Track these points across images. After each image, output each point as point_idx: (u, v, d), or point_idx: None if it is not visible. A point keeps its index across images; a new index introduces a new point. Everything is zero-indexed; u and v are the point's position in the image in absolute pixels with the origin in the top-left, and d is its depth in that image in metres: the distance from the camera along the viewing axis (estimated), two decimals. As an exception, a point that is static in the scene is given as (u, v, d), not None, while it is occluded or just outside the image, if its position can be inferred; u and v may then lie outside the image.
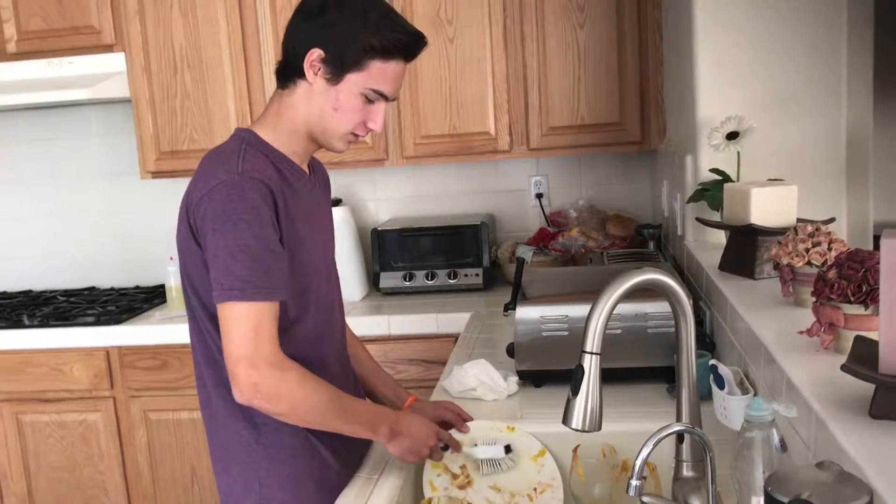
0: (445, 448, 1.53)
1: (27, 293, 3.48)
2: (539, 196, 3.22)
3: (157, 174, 3.08)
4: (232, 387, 1.34)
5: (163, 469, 2.91)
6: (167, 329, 2.84)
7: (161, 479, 2.92)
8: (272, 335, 1.35)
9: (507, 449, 1.55)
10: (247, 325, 1.33)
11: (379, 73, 1.42)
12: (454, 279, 3.00)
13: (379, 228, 3.07)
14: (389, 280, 3.03)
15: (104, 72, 3.00)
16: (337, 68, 1.41)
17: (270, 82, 2.93)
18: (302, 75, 1.43)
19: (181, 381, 2.83)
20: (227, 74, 2.96)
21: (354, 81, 1.42)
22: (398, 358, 2.75)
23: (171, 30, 2.96)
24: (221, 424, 1.51)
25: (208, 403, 1.52)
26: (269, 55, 2.93)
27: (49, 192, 3.50)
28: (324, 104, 1.43)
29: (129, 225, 3.47)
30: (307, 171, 1.55)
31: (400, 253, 3.04)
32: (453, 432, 1.58)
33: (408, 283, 3.01)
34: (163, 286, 3.12)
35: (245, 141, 1.45)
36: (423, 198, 3.30)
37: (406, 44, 1.43)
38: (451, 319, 2.72)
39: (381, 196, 3.32)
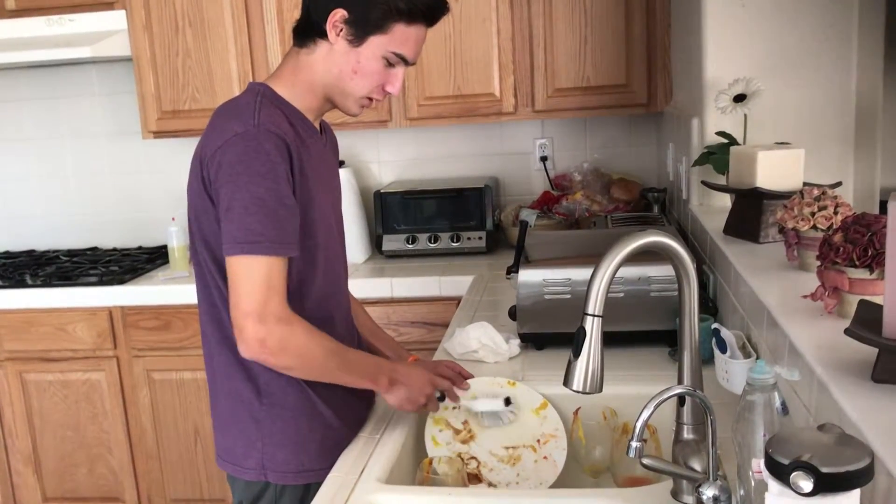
0: (442, 398, 1.54)
1: (30, 253, 3.48)
2: (543, 159, 3.20)
3: (159, 134, 3.06)
4: (238, 341, 1.34)
5: (166, 428, 2.93)
6: (170, 289, 2.84)
7: (164, 438, 2.94)
8: (281, 290, 1.35)
9: (507, 401, 1.56)
10: (258, 279, 1.32)
11: (402, 36, 1.40)
12: (457, 242, 2.99)
13: (382, 191, 3.05)
14: (392, 243, 3.03)
15: (105, 29, 2.96)
16: (360, 30, 1.39)
17: (273, 41, 2.90)
18: (323, 35, 1.41)
19: (184, 342, 2.84)
20: (229, 33, 2.92)
21: (377, 44, 1.40)
22: (401, 320, 2.75)
23: (171, -13, 2.92)
24: (224, 383, 1.52)
25: (211, 361, 1.53)
26: (272, 13, 2.89)
27: (51, 152, 3.49)
28: (344, 66, 1.42)
29: (131, 185, 3.46)
30: (318, 129, 1.53)
31: (403, 216, 3.03)
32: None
33: (410, 246, 3.01)
34: (165, 247, 3.12)
35: (260, 94, 1.43)
36: (426, 160, 3.27)
37: (430, 7, 1.41)
38: (453, 282, 2.71)
39: (385, 158, 3.30)
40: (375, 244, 3.08)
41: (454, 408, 1.56)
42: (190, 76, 2.97)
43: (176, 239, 2.95)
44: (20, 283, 2.95)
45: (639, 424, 0.96)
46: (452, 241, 2.99)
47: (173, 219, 2.94)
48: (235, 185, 1.33)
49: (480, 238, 2.99)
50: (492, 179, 3.14)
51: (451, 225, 3.01)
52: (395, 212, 3.03)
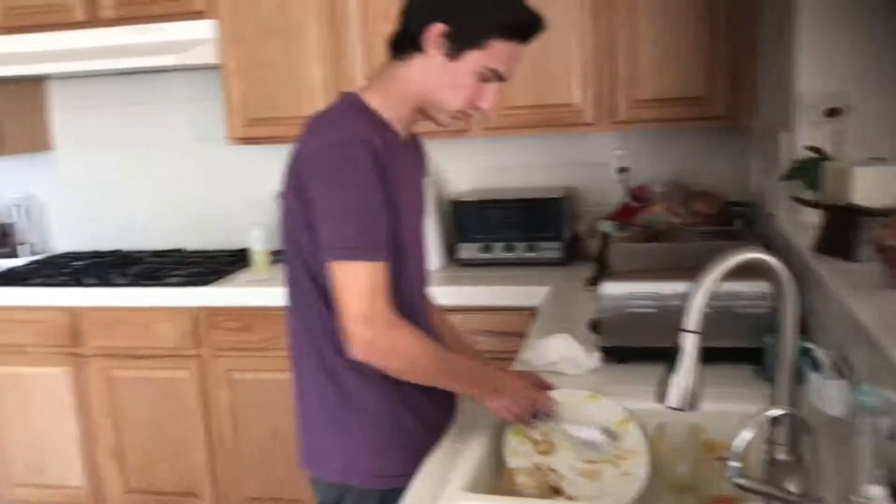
0: (535, 416, 1.53)
1: (117, 253, 3.60)
2: (622, 170, 3.16)
3: (244, 140, 3.14)
4: (348, 345, 1.38)
5: (245, 428, 2.99)
6: (252, 291, 2.91)
7: (243, 437, 3.00)
8: (385, 294, 1.38)
9: (609, 433, 1.54)
10: (363, 284, 1.36)
11: (498, 52, 1.42)
12: (532, 252, 2.98)
13: (458, 199, 3.06)
14: (467, 251, 3.04)
15: (193, 38, 3.05)
16: (458, 45, 1.41)
17: (356, 51, 2.94)
18: (420, 48, 1.43)
19: (265, 343, 2.89)
20: (315, 42, 2.97)
21: (473, 59, 1.42)
22: (473, 329, 2.74)
23: (259, -4, 2.99)
24: (310, 387, 1.55)
25: (299, 364, 1.56)
26: (357, 23, 2.93)
27: (137, 156, 3.61)
28: (439, 79, 1.44)
29: (213, 190, 3.55)
30: (408, 140, 1.55)
31: (478, 224, 3.04)
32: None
33: (485, 255, 3.01)
34: (246, 250, 3.19)
35: (351, 104, 1.46)
36: (502, 169, 3.27)
37: (528, 25, 1.43)
38: (527, 292, 2.70)
39: (461, 167, 3.31)
40: (450, 252, 3.09)
41: (547, 421, 1.56)
42: (275, 84, 3.04)
43: (259, 243, 3.02)
44: (108, 282, 3.06)
45: (741, 444, 0.95)
46: (527, 251, 2.98)
47: (256, 223, 3.01)
48: (329, 192, 1.37)
49: (556, 249, 2.97)
50: (569, 189, 3.12)
51: (526, 235, 3.00)
52: (470, 220, 3.04)
